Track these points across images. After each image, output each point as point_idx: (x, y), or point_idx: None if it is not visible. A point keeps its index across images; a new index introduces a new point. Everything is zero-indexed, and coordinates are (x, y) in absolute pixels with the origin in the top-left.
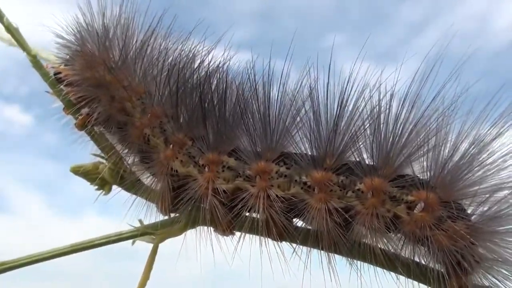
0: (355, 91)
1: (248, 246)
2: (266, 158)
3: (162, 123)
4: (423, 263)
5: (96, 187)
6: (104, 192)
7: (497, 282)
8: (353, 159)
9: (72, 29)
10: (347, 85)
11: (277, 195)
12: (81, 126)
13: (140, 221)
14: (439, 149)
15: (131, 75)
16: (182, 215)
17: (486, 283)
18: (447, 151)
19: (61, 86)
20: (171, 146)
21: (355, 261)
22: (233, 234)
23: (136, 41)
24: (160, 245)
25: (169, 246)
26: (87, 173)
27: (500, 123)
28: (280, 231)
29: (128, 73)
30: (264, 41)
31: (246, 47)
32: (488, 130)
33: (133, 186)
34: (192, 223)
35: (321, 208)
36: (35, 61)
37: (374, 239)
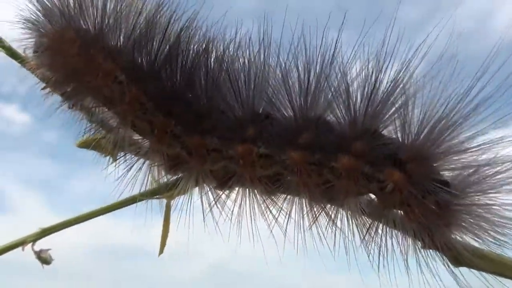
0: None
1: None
2: (246, 136)
3: (142, 104)
4: None
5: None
6: (111, 160)
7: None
8: (327, 134)
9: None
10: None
11: (261, 175)
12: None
13: (155, 180)
14: (409, 122)
15: (101, 56)
16: (184, 179)
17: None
18: (416, 125)
19: None
20: (156, 131)
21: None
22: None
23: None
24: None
25: (169, 246)
26: (90, 145)
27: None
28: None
29: (98, 54)
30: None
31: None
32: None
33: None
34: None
35: (302, 185)
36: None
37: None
